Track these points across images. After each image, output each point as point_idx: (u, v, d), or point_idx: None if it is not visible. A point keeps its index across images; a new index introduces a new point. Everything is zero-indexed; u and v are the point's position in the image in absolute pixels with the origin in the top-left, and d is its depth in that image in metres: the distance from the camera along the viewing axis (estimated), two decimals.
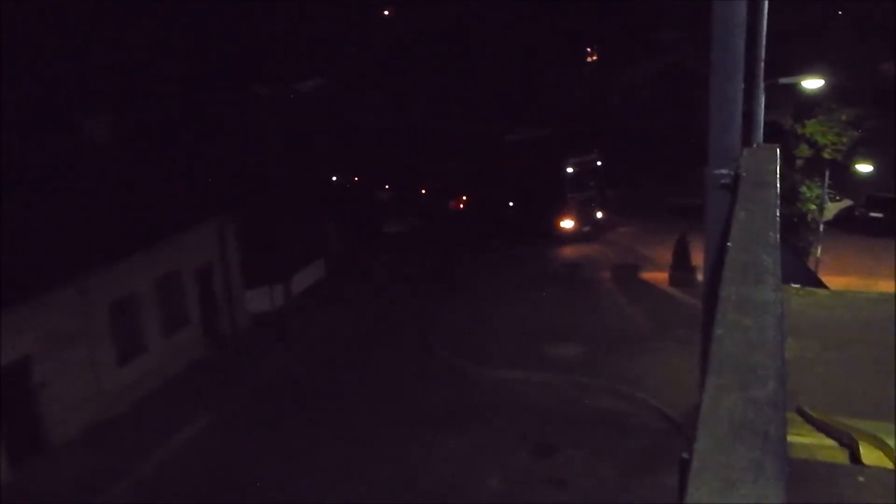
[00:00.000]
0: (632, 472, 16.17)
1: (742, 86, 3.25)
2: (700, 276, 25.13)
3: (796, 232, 25.48)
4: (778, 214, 2.72)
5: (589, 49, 48.25)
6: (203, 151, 24.54)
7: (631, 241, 31.23)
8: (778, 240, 2.66)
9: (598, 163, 32.46)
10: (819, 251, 25.76)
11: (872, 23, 40.65)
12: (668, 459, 16.47)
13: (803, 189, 24.44)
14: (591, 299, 25.57)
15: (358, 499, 15.56)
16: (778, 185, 3.08)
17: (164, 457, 17.50)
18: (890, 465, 4.44)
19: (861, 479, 4.36)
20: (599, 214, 32.58)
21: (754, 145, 3.81)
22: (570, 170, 31.74)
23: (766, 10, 12.99)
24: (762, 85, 11.96)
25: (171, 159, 23.52)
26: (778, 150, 3.63)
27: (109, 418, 18.85)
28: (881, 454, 4.63)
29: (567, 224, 31.87)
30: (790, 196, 23.84)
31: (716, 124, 3.25)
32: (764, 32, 13.36)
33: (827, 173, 25.10)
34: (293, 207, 26.13)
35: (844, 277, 25.39)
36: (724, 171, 3.24)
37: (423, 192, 36.40)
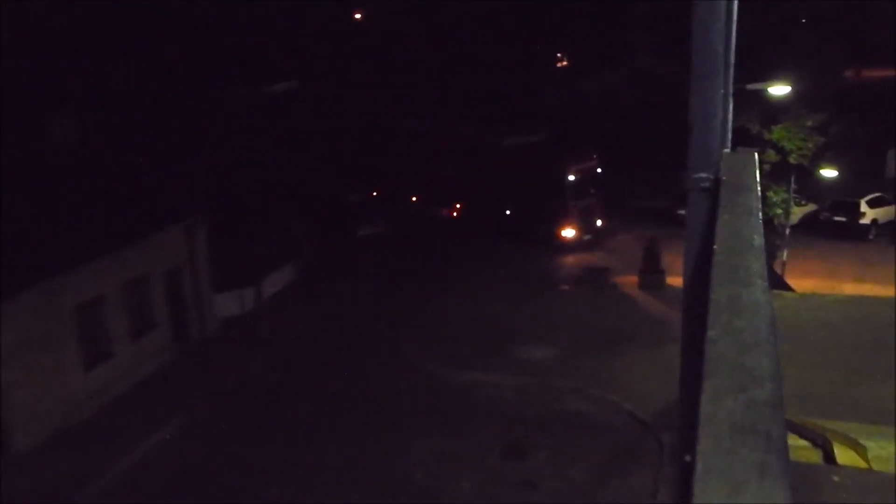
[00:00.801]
0: (603, 474, 16.26)
1: (722, 91, 3.30)
2: (669, 280, 25.48)
3: (769, 236, 25.90)
4: (760, 218, 2.76)
5: (560, 54, 48.59)
6: (173, 153, 24.26)
7: (634, 249, 29.41)
8: (762, 243, 2.69)
9: (598, 169, 31.62)
10: (785, 255, 26.22)
11: (837, 29, 41.46)
12: (639, 461, 16.60)
13: (770, 193, 24.85)
14: (560, 302, 25.71)
15: (329, 502, 15.46)
16: (758, 189, 3.13)
17: (131, 462, 17.22)
18: (863, 465, 4.53)
19: (836, 478, 4.44)
20: (599, 222, 31.70)
21: (730, 149, 3.85)
22: (571, 177, 30.78)
23: (734, 16, 13.22)
24: (731, 90, 12.11)
25: (140, 161, 23.21)
26: (756, 155, 3.67)
27: (76, 423, 18.51)
28: (854, 454, 4.73)
29: (569, 232, 30.85)
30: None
31: (696, 128, 3.28)
32: (734, 38, 13.58)
33: (793, 178, 25.57)
34: (264, 210, 25.92)
35: (810, 280, 25.86)
36: (704, 175, 3.28)
37: (414, 198, 35.85)
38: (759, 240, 2.63)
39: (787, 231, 26.45)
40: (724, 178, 3.09)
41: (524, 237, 30.98)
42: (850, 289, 24.44)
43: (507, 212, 32.33)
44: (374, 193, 36.85)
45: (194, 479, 16.54)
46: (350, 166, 36.90)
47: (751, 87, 19.29)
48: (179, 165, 23.93)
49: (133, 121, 24.48)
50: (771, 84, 20.38)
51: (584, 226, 31.11)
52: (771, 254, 25.77)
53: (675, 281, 23.48)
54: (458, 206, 34.55)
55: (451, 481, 16.18)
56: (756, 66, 22.60)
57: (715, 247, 2.31)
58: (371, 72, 43.71)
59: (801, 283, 24.72)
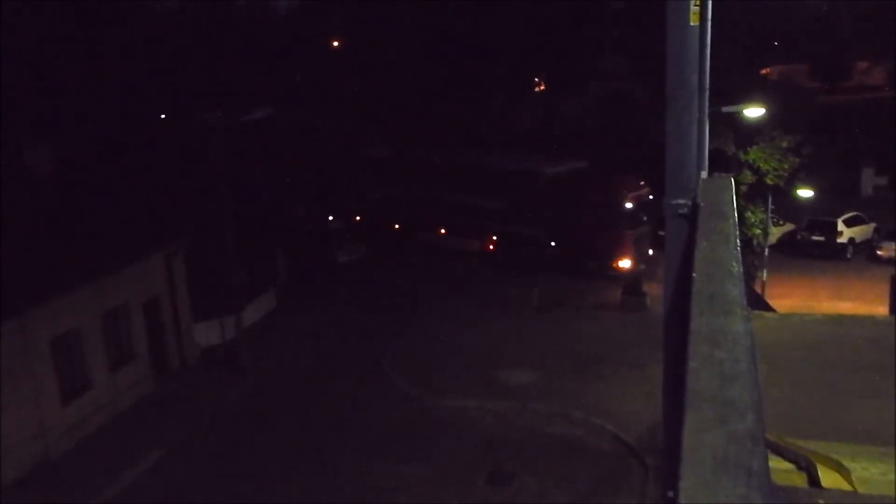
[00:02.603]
0: (589, 498, 16.18)
1: (697, 116, 3.33)
2: (649, 302, 25.58)
3: (742, 256, 26.12)
4: (738, 244, 2.78)
5: (537, 78, 49.08)
6: (150, 182, 24.14)
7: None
8: (741, 270, 2.70)
9: (651, 196, 29.68)
10: (765, 274, 26.47)
11: (809, 53, 42.38)
12: (625, 484, 16.54)
13: (748, 214, 25.13)
14: (541, 326, 25.69)
15: None
16: (735, 215, 3.15)
17: (112, 495, 16.91)
18: (848, 488, 4.53)
19: (821, 501, 4.44)
20: (651, 251, 29.86)
21: (707, 175, 3.89)
22: (627, 204, 28.89)
23: (707, 41, 13.46)
24: (707, 113, 12.30)
25: (117, 190, 23.05)
26: (732, 180, 3.71)
27: (56, 457, 18.17)
28: (839, 476, 4.72)
29: (625, 263, 28.91)
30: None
31: (672, 155, 3.31)
32: (707, 63, 13.80)
33: (770, 198, 25.89)
34: (243, 238, 25.79)
35: (789, 300, 26.08)
36: (681, 201, 3.30)
37: (442, 231, 33.63)
38: (737, 267, 2.64)
39: (766, 251, 26.72)
40: (701, 203, 3.11)
41: (572, 268, 29.21)
42: (829, 308, 24.67)
43: (552, 243, 30.27)
44: (357, 219, 36.57)
45: None
46: (343, 193, 36.66)
47: (726, 109, 19.57)
48: (157, 194, 23.80)
49: (109, 149, 24.37)
50: (746, 106, 20.69)
51: (639, 255, 29.28)
52: (750, 274, 26.03)
53: (658, 301, 23.57)
54: (492, 238, 32.04)
55: None
56: (730, 90, 23.01)
57: (694, 275, 2.32)
58: (348, 98, 43.83)
59: (781, 302, 24.91)
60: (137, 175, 24.10)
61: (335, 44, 49.30)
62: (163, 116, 33.94)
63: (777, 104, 25.16)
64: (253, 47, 39.79)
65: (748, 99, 22.09)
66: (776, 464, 5.31)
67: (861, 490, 4.29)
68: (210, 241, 24.32)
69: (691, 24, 3.21)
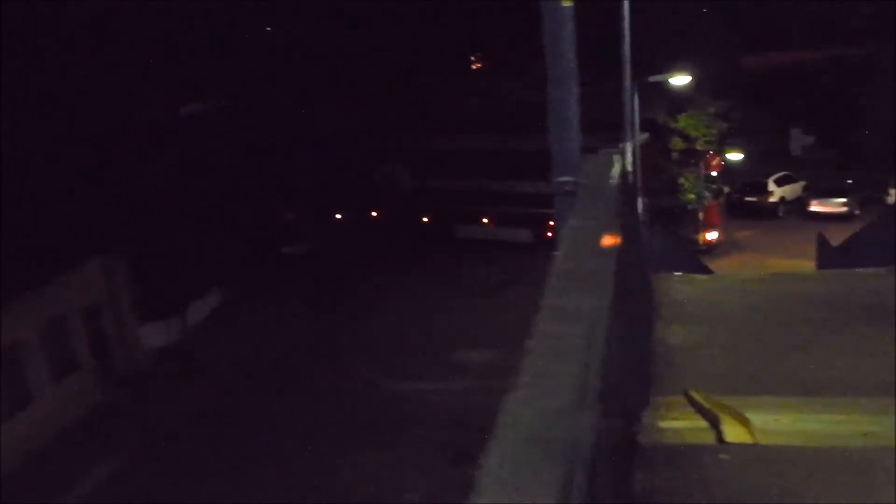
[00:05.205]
0: None
1: (575, 92, 3.40)
2: None
3: (681, 221, 26.71)
4: (616, 220, 2.86)
5: (474, 57, 48.96)
6: (82, 183, 23.44)
7: (757, 245, 28.16)
8: (617, 244, 2.79)
9: (723, 162, 29.18)
10: (703, 237, 27.12)
11: (737, 18, 43.15)
12: None
13: (682, 180, 25.69)
14: (492, 305, 25.90)
15: None
16: (617, 190, 3.24)
17: None
18: (750, 440, 4.73)
19: (723, 456, 4.62)
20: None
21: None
22: (713, 173, 28.31)
23: (627, 13, 13.66)
24: (628, 84, 12.54)
25: (48, 195, 22.37)
26: (615, 156, 3.80)
27: (2, 475, 17.72)
28: (743, 430, 4.93)
29: (712, 235, 27.98)
30: (671, 188, 24.98)
31: (555, 132, 3.38)
32: (627, 34, 14.01)
33: (702, 164, 26.50)
34: (185, 235, 25.34)
35: (725, 260, 26.79)
36: (566, 179, 3.39)
37: (485, 221, 31.55)
38: (610, 241, 2.72)
39: (702, 215, 27.37)
40: (581, 181, 3.20)
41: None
42: (763, 265, 25.44)
43: None
44: (316, 210, 35.62)
45: None
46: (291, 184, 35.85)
47: (652, 79, 19.91)
48: (91, 196, 23.13)
49: (37, 150, 23.56)
50: (672, 75, 21.07)
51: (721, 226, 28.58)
52: (688, 238, 26.65)
53: None
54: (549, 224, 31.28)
55: (403, 490, 16.17)
56: (660, 59, 23.36)
57: (556, 253, 2.39)
58: (294, 84, 42.73)
59: (716, 263, 25.57)
60: (70, 177, 23.35)
61: (268, 29, 48.32)
62: (98, 112, 32.77)
63: (706, 72, 25.67)
64: (193, 34, 38.60)
65: (677, 68, 22.50)
66: (692, 423, 5.51)
67: (762, 441, 4.50)
68: (151, 240, 23.88)
69: (564, 4, 3.27)
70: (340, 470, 17.11)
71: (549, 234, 30.35)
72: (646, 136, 24.75)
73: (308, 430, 19.03)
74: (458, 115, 41.42)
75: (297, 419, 19.65)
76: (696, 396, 6.68)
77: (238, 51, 41.91)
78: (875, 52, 34.47)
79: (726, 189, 33.14)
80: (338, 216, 35.88)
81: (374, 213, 35.57)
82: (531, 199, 28.65)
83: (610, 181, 3.26)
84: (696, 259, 25.52)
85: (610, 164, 3.58)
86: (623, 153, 3.35)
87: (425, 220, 33.62)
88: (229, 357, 23.61)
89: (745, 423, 4.78)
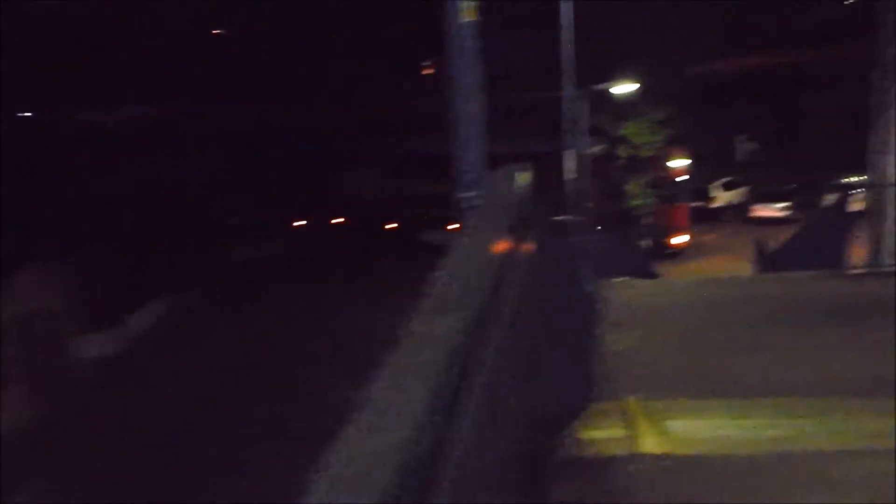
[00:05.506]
0: None
1: (480, 106, 3.39)
2: None
3: (630, 227, 27.11)
4: (509, 235, 2.84)
5: (425, 63, 49.02)
6: (17, 188, 22.78)
7: (725, 248, 27.99)
8: (503, 261, 2.76)
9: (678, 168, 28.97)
10: (650, 242, 27.48)
11: (682, 27, 44.01)
12: None
13: (629, 186, 26.08)
14: None
15: None
16: (522, 204, 3.23)
17: None
18: (665, 450, 4.76)
19: (637, 467, 4.64)
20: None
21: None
22: (680, 177, 28.15)
23: (570, 21, 13.80)
24: (571, 92, 12.67)
25: None
26: (517, 174, 3.78)
27: None
28: (659, 440, 4.96)
29: (681, 239, 27.98)
30: (617, 194, 25.32)
31: (459, 146, 3.36)
32: (572, 44, 14.15)
33: (648, 170, 26.92)
34: (128, 241, 24.82)
35: (669, 264, 27.20)
36: (470, 194, 3.37)
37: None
38: (497, 260, 2.70)
39: (650, 220, 27.79)
40: (482, 198, 3.18)
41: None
42: (708, 268, 25.92)
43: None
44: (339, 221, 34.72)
45: None
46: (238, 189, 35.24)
47: (598, 87, 20.15)
48: (26, 201, 22.51)
49: None
50: (617, 83, 21.37)
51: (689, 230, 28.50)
52: (636, 244, 27.00)
53: None
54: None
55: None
56: (607, 68, 23.69)
57: (437, 273, 2.36)
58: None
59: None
60: (4, 182, 22.67)
61: (215, 32, 47.62)
62: (31, 119, 31.96)
63: (651, 80, 26.11)
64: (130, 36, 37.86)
65: (623, 76, 22.85)
66: (614, 432, 5.52)
67: (678, 450, 4.53)
68: (91, 248, 23.33)
69: (466, 20, 3.26)
70: (294, 479, 16.81)
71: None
72: (603, 146, 25.14)
73: (251, 439, 18.72)
74: (416, 120, 41.38)
75: (241, 428, 19.32)
76: (629, 403, 6.73)
77: (186, 51, 41.25)
78: (815, 60, 35.49)
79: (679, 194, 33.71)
80: (299, 223, 35.40)
81: (338, 220, 35.24)
82: None
83: (510, 198, 3.25)
84: (646, 263, 25.90)
85: (512, 180, 3.57)
86: (528, 169, 3.33)
87: (391, 226, 33.18)
88: (173, 366, 23.13)
89: (663, 431, 4.82)
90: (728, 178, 34.56)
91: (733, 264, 26.24)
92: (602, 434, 5.33)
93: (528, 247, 3.53)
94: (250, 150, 36.57)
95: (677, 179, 28.59)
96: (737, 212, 33.90)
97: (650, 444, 4.66)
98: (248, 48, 43.34)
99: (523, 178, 3.67)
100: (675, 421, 5.15)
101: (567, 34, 13.22)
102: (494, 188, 3.35)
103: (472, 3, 3.21)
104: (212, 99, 39.99)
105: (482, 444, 2.13)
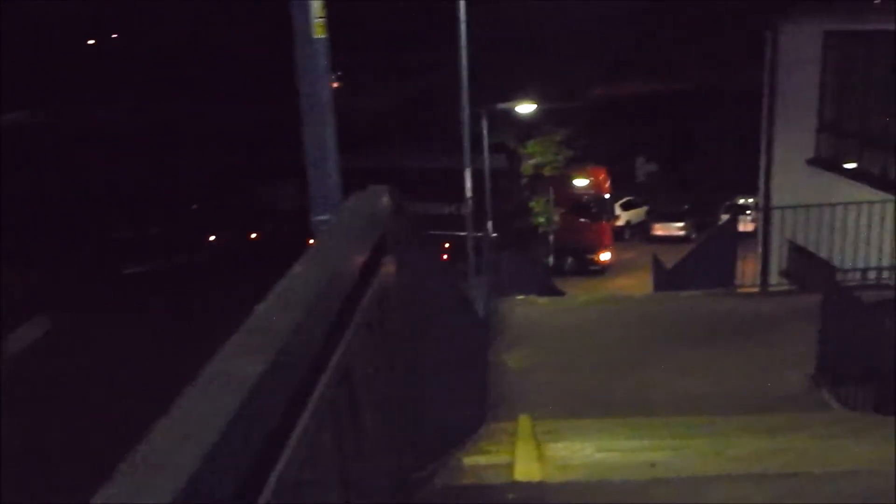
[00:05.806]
0: None
1: (332, 128, 3.26)
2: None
3: (534, 244, 27.52)
4: (354, 266, 2.70)
5: (334, 76, 48.46)
6: None
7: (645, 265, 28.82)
8: (341, 291, 2.61)
9: (608, 182, 29.87)
10: (552, 259, 28.03)
11: (585, 50, 45.32)
12: None
13: (532, 204, 26.50)
14: None
15: None
16: (375, 231, 3.10)
17: None
18: (538, 478, 4.69)
19: (511, 496, 4.54)
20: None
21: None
22: (606, 196, 28.74)
23: (464, 43, 13.91)
24: (466, 108, 12.74)
25: None
26: (381, 195, 3.63)
27: None
28: (533, 467, 4.88)
29: (606, 256, 28.58)
30: (521, 211, 25.68)
31: (312, 169, 3.22)
32: (465, 59, 14.25)
33: (551, 188, 27.44)
34: (3, 256, 23.40)
35: (571, 282, 27.77)
36: (324, 217, 3.23)
37: None
38: (331, 288, 2.54)
39: (551, 238, 28.30)
40: (335, 220, 3.05)
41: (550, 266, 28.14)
42: (607, 287, 26.60)
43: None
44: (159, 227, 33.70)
45: None
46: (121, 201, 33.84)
47: (501, 106, 20.41)
48: None
49: None
50: (519, 103, 21.70)
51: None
52: (539, 261, 27.45)
53: None
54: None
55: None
56: (509, 87, 24.04)
57: (257, 306, 2.20)
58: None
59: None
60: None
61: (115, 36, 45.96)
62: None
63: (554, 101, 26.67)
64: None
65: (524, 96, 23.21)
66: (494, 458, 5.39)
67: (552, 478, 4.46)
68: None
69: (316, 36, 3.14)
70: None
71: (446, 255, 30.71)
72: (503, 157, 25.40)
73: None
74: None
75: (124, 452, 18.40)
76: (520, 424, 6.64)
77: (80, 57, 39.54)
78: (711, 85, 37.16)
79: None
80: (211, 237, 34.19)
81: (252, 235, 34.35)
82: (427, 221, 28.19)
83: (362, 222, 3.12)
84: (548, 281, 26.35)
85: (369, 203, 3.46)
86: (390, 192, 3.20)
87: (312, 241, 32.86)
88: (50, 388, 21.87)
89: (539, 457, 4.75)
90: (628, 198, 35.66)
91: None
92: (484, 460, 5.21)
93: (391, 269, 3.41)
94: (149, 159, 35.34)
95: (606, 196, 29.54)
96: (637, 231, 34.98)
97: (527, 470, 4.57)
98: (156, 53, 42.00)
99: (385, 199, 3.56)
100: (558, 444, 5.10)
101: (462, 52, 13.35)
102: (351, 210, 3.21)
103: (322, 20, 3.09)
104: (106, 100, 38.33)
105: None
